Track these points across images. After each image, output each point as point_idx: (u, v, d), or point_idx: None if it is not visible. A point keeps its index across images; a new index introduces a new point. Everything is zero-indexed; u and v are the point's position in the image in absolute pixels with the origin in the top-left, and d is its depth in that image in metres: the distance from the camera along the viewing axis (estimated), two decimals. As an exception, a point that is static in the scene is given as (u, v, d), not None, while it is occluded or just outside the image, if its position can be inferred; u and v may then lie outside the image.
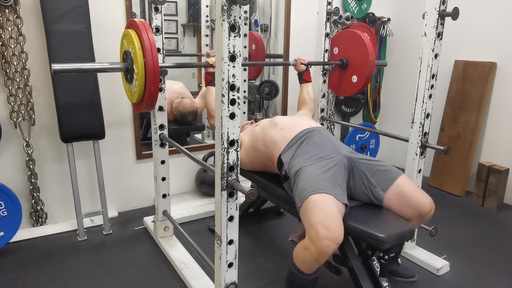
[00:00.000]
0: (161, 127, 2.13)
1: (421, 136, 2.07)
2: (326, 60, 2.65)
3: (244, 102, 3.34)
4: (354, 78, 2.51)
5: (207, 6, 3.29)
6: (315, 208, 1.53)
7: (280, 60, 3.40)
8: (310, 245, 1.48)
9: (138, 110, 1.83)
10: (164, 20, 2.04)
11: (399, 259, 2.04)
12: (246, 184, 2.19)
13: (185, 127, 3.12)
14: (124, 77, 1.83)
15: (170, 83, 2.96)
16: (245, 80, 3.30)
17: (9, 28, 2.17)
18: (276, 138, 1.95)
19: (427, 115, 2.05)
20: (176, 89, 3.07)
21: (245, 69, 3.30)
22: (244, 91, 3.30)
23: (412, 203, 1.70)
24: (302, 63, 2.43)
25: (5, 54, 2.19)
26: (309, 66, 2.48)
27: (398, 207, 1.72)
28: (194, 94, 3.25)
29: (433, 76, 2.00)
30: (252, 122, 2.40)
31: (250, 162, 2.16)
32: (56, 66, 1.57)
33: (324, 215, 1.50)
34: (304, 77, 2.48)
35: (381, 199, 1.73)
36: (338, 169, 1.74)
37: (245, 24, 3.19)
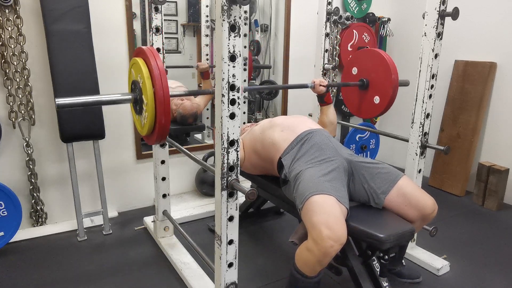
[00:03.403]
0: (161, 127, 2.12)
1: (421, 136, 2.07)
2: (326, 61, 2.65)
3: (244, 102, 3.33)
4: (377, 99, 2.36)
5: (207, 6, 3.29)
6: (317, 208, 1.52)
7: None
8: (313, 246, 1.47)
9: (149, 142, 1.72)
10: (164, 20, 2.04)
11: (403, 261, 2.05)
12: (246, 184, 2.19)
13: (185, 127, 3.12)
14: (133, 109, 1.75)
15: (169, 83, 2.96)
16: (245, 80, 3.30)
17: (9, 28, 2.17)
18: (276, 140, 1.92)
19: (427, 115, 2.05)
20: (175, 89, 3.08)
21: (245, 69, 3.30)
22: (244, 91, 3.30)
23: (415, 205, 1.70)
24: (321, 85, 2.23)
25: (5, 54, 2.19)
26: (330, 88, 2.29)
27: (400, 209, 1.71)
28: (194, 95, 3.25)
29: (433, 76, 2.00)
30: (252, 125, 2.38)
31: (251, 165, 2.13)
32: (60, 101, 1.47)
33: (327, 216, 1.49)
34: (325, 99, 2.27)
35: (380, 203, 1.73)
36: (338, 172, 1.73)
37: (245, 24, 3.19)
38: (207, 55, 3.40)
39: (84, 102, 1.56)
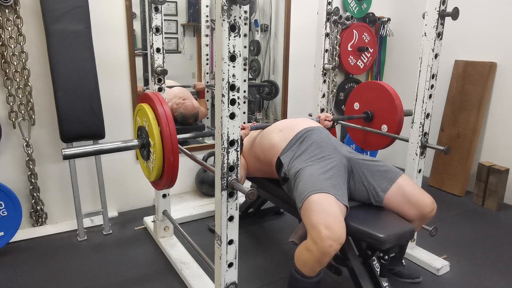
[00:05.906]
0: (161, 127, 2.12)
1: (421, 136, 2.07)
2: (326, 61, 2.65)
3: (244, 102, 3.34)
4: (384, 128, 2.39)
5: (207, 6, 3.29)
6: (316, 208, 1.52)
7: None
8: (312, 246, 1.47)
9: (158, 188, 1.71)
10: (164, 20, 2.04)
11: (403, 261, 2.05)
12: (246, 184, 2.19)
13: (185, 128, 3.11)
14: (140, 155, 1.74)
15: (167, 82, 2.96)
16: (245, 80, 3.30)
17: (9, 28, 2.17)
18: (275, 141, 1.91)
19: (427, 115, 2.05)
20: (175, 89, 3.08)
21: (244, 69, 3.30)
22: (244, 91, 3.30)
23: (414, 203, 1.69)
24: (326, 120, 2.25)
25: (5, 54, 2.19)
26: (335, 123, 2.30)
27: (399, 208, 1.71)
28: (194, 94, 3.26)
29: (433, 76, 2.00)
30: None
31: (253, 170, 2.11)
32: (67, 151, 1.44)
33: (326, 215, 1.49)
34: None
35: (380, 201, 1.73)
36: (338, 170, 1.73)
37: (245, 24, 3.19)
38: (207, 55, 3.40)
39: (90, 152, 1.55)
